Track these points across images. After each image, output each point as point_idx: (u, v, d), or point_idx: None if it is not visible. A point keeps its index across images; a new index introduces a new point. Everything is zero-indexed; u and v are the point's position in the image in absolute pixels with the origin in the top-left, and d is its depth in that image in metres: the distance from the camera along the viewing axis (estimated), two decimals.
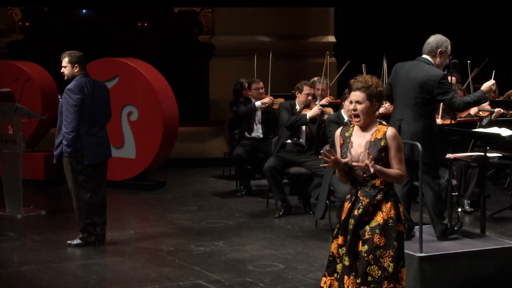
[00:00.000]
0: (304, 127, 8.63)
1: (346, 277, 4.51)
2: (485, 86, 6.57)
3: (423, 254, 5.93)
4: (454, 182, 7.78)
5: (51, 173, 10.23)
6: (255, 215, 8.62)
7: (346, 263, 4.51)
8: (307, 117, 8.53)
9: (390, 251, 4.47)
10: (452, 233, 6.47)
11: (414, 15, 13.08)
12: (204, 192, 9.98)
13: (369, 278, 4.47)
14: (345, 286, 4.52)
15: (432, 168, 6.41)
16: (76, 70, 7.13)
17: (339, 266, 4.58)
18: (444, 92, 6.32)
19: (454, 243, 6.34)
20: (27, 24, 12.69)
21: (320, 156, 4.58)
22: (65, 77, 7.19)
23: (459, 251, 6.15)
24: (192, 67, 13.15)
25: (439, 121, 8.06)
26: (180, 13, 13.08)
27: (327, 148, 4.58)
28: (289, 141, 8.66)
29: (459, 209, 8.35)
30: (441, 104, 7.94)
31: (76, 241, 7.19)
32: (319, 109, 8.58)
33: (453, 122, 7.90)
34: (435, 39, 6.49)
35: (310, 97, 8.75)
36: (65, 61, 7.15)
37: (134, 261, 6.81)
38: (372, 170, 4.41)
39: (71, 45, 10.08)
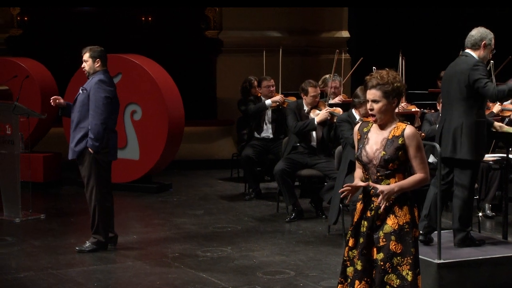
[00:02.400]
0: (314, 131, 8.61)
1: (357, 281, 4.50)
2: None
3: (441, 261, 5.93)
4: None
5: (50, 175, 10.27)
6: (264, 219, 8.63)
7: (358, 267, 4.51)
8: (315, 122, 8.50)
9: (408, 258, 4.46)
10: (470, 244, 6.44)
11: (432, 10, 13.05)
12: (211, 195, 10.00)
13: None
14: None
15: (470, 167, 6.41)
16: (97, 65, 7.26)
17: (349, 270, 4.58)
18: (478, 78, 6.31)
19: (474, 250, 6.34)
20: (25, 18, 12.72)
21: (342, 195, 4.58)
22: (86, 73, 7.31)
23: (480, 257, 6.15)
24: (199, 64, 13.17)
25: (498, 107, 8.04)
26: (186, 8, 13.10)
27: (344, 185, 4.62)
28: (298, 145, 8.64)
29: (480, 214, 8.33)
30: None
31: (90, 246, 7.21)
32: (327, 112, 8.53)
33: None
34: (478, 31, 6.48)
35: (317, 99, 8.72)
36: (86, 56, 7.27)
37: (138, 267, 6.84)
38: (383, 206, 4.40)
39: (71, 40, 10.16)
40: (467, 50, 6.49)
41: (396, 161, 4.48)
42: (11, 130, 8.50)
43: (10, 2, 12.05)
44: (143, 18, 13.88)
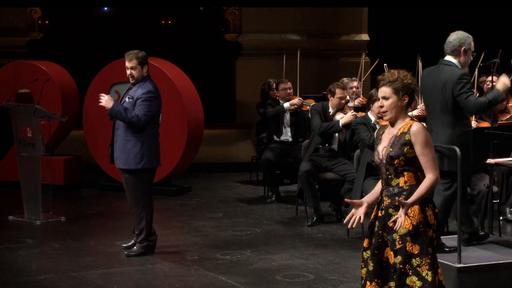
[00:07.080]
0: (337, 134, 8.59)
1: (368, 283, 4.49)
2: (501, 82, 6.38)
3: (462, 265, 5.90)
4: (495, 188, 7.72)
5: (71, 177, 10.31)
6: (283, 223, 8.62)
7: (370, 268, 4.50)
8: (340, 125, 8.45)
9: (426, 258, 4.43)
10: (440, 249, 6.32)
11: (452, 12, 12.99)
12: (230, 198, 10.00)
13: None
14: None
15: (455, 179, 6.31)
16: (145, 71, 7.12)
17: (363, 271, 4.57)
18: (461, 92, 6.21)
19: (495, 254, 6.30)
20: (46, 22, 12.80)
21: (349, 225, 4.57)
22: (132, 80, 7.10)
23: (500, 262, 6.12)
24: (218, 67, 13.19)
25: (474, 124, 8.00)
26: (205, 11, 13.14)
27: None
28: (320, 146, 8.62)
29: (501, 218, 8.27)
30: None
31: (139, 250, 7.17)
32: (352, 115, 8.47)
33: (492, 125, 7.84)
34: (456, 36, 6.38)
35: (343, 101, 8.70)
36: (133, 63, 7.05)
37: (157, 270, 6.85)
38: (401, 221, 4.35)
39: (92, 44, 10.20)
40: (448, 58, 6.37)
41: (402, 157, 4.44)
42: (32, 133, 8.54)
43: (34, 2, 12.10)
44: (163, 22, 13.94)
